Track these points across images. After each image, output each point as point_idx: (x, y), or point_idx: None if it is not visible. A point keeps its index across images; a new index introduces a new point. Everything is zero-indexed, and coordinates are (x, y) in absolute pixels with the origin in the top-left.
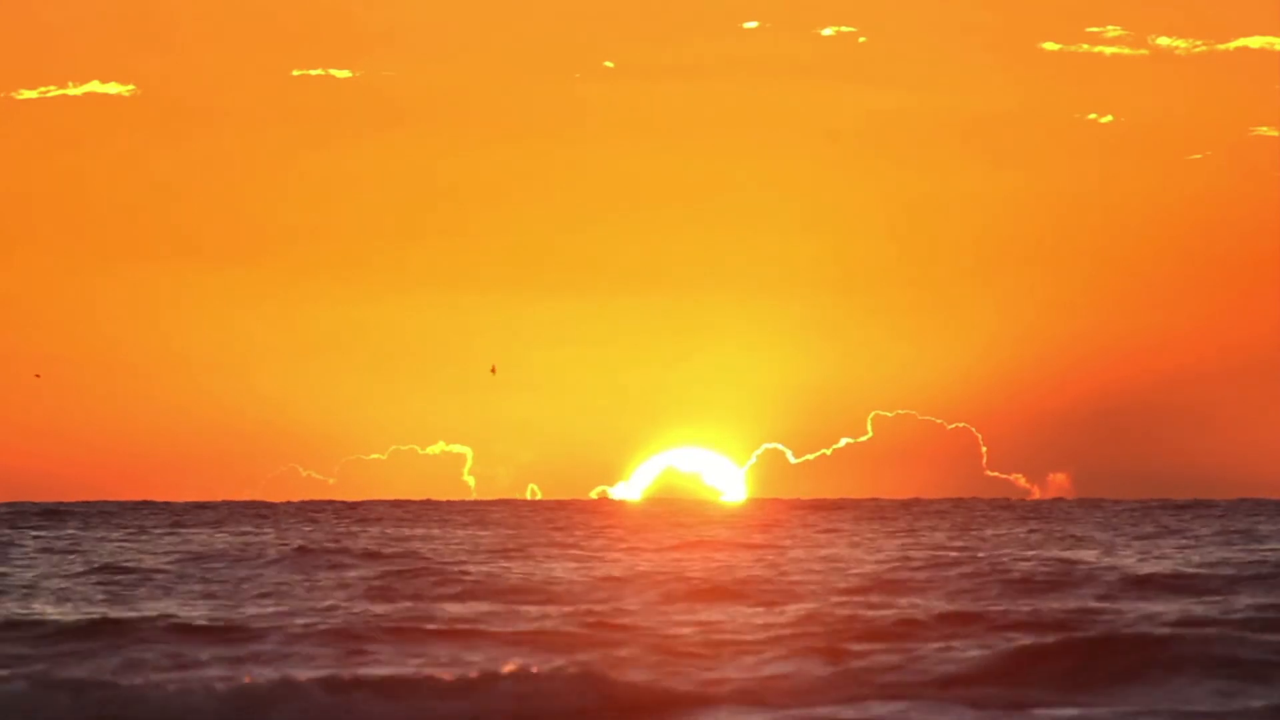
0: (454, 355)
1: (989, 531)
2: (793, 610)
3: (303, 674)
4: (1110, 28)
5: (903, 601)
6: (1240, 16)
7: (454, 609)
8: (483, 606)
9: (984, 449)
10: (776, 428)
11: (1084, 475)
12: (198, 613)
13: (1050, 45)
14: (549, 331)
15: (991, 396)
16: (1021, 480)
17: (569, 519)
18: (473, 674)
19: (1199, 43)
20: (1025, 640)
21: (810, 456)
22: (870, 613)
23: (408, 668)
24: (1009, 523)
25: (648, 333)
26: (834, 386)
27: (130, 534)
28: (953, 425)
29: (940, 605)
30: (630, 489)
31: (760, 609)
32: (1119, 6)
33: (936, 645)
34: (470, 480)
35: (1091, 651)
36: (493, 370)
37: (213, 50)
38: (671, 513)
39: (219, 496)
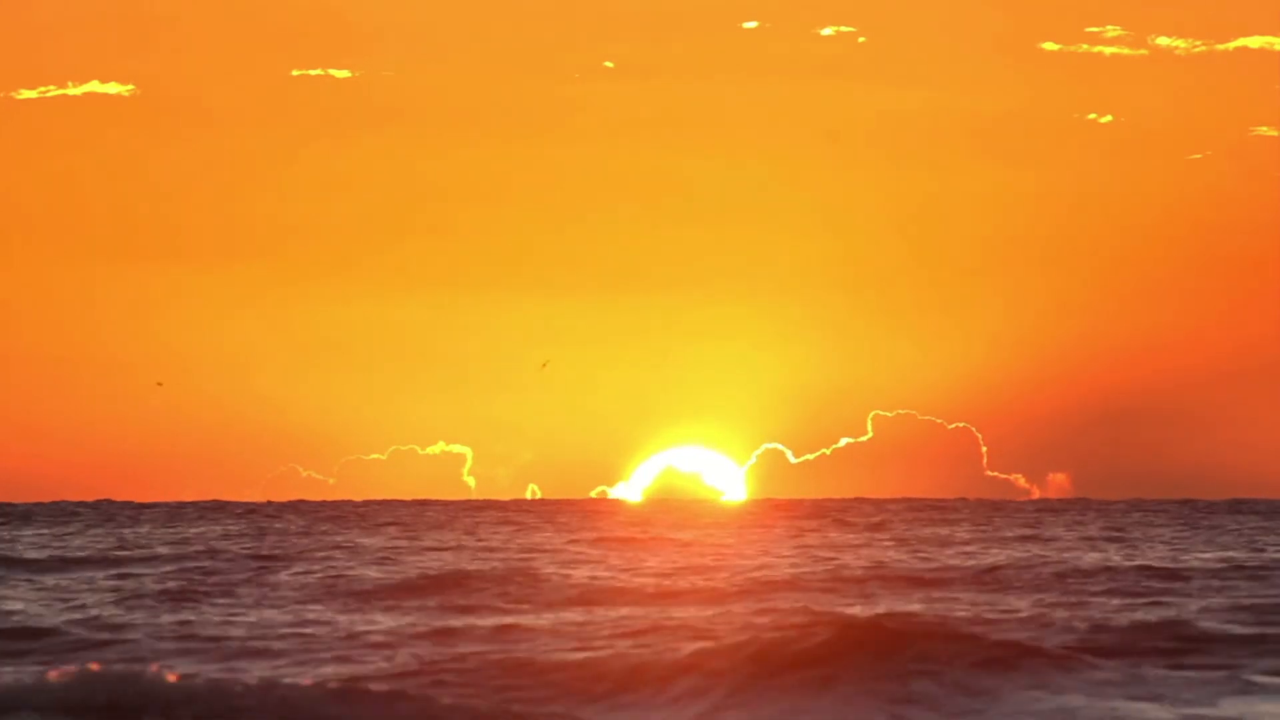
0: (454, 355)
1: (938, 531)
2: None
3: None
4: (1110, 28)
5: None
6: (1240, 16)
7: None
8: (268, 612)
9: (984, 449)
10: (776, 428)
11: (1084, 476)
12: None
13: (1050, 45)
14: (550, 331)
15: (992, 397)
16: (1021, 480)
17: (508, 517)
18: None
19: (1199, 43)
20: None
21: (810, 456)
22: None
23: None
24: (970, 522)
25: (648, 332)
26: (834, 386)
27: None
28: (953, 425)
29: (732, 607)
30: (630, 489)
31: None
32: (1119, 6)
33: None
34: (470, 480)
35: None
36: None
37: (212, 50)
38: (649, 512)
39: (219, 496)
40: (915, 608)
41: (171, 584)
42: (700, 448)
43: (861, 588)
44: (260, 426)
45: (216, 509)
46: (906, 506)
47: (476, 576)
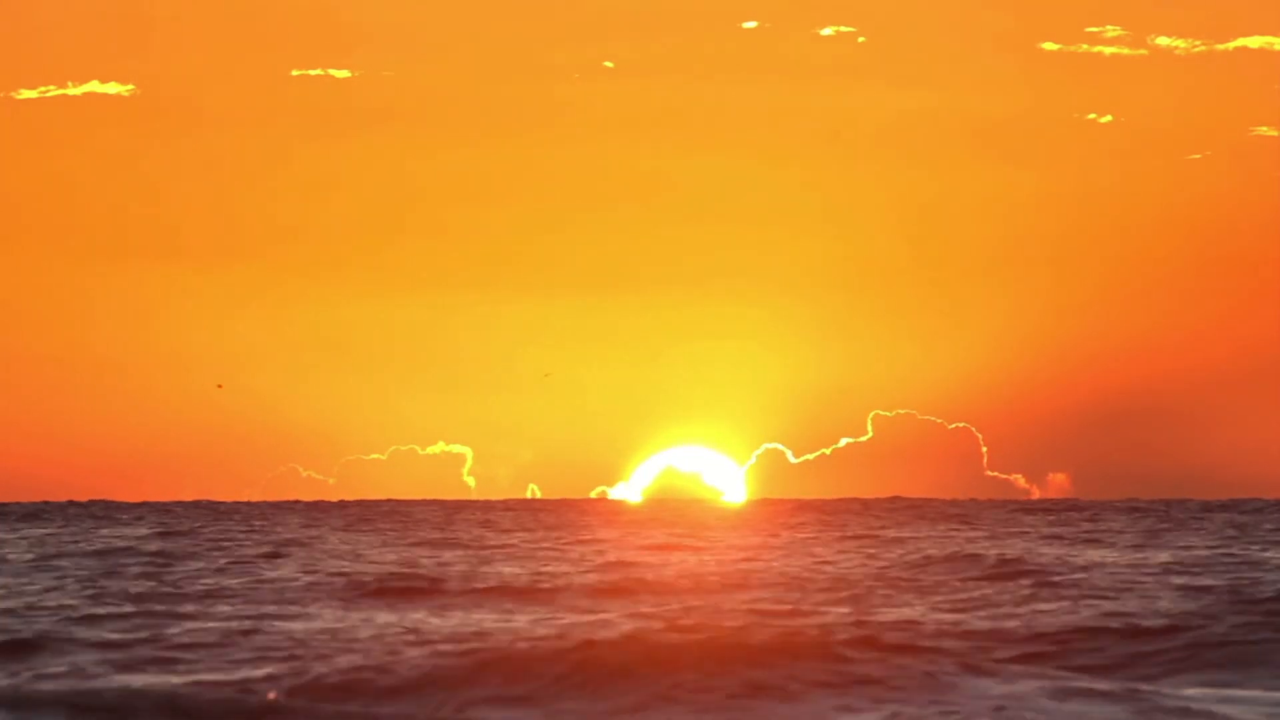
0: (454, 355)
1: (901, 533)
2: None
3: None
4: (1110, 28)
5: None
6: (1240, 16)
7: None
8: (213, 606)
9: (984, 449)
10: (776, 427)
11: (1084, 476)
12: None
13: (1050, 45)
14: (550, 331)
15: (992, 397)
16: (1021, 480)
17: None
18: None
19: (1199, 43)
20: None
21: (810, 456)
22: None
23: None
24: (929, 522)
25: (648, 332)
26: (834, 386)
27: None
28: (953, 425)
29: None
30: (630, 489)
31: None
32: (1119, 6)
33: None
34: (470, 480)
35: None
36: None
37: (212, 50)
38: (641, 512)
39: (220, 497)
40: (840, 606)
41: (112, 582)
42: (700, 448)
43: (787, 587)
44: (260, 426)
45: (208, 508)
46: (890, 507)
47: (423, 575)
